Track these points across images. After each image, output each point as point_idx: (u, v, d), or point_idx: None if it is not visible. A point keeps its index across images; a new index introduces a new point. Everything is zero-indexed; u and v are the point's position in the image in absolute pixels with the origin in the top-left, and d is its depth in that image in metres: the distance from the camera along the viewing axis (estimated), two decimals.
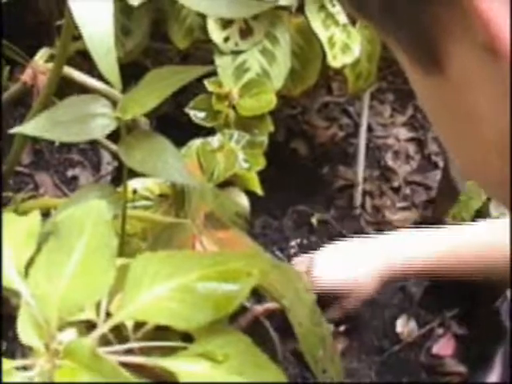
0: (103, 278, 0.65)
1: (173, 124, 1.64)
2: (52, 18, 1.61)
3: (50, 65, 1.39)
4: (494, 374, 1.17)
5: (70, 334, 0.63)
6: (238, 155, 1.30)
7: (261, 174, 1.37)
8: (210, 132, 1.43)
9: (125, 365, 0.62)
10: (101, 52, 0.67)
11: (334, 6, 1.42)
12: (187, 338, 0.70)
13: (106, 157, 1.63)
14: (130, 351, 0.68)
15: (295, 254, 1.66)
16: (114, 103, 0.88)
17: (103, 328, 0.68)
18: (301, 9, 1.47)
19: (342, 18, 1.44)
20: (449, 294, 1.54)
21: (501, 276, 1.17)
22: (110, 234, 0.68)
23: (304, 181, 1.89)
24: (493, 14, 0.31)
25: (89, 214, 0.69)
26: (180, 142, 1.38)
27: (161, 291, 0.65)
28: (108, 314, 0.70)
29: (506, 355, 1.17)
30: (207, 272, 0.65)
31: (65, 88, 1.28)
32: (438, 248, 1.28)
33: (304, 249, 1.68)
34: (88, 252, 0.67)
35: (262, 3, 1.06)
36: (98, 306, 0.70)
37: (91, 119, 0.82)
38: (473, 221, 1.47)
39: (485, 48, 0.32)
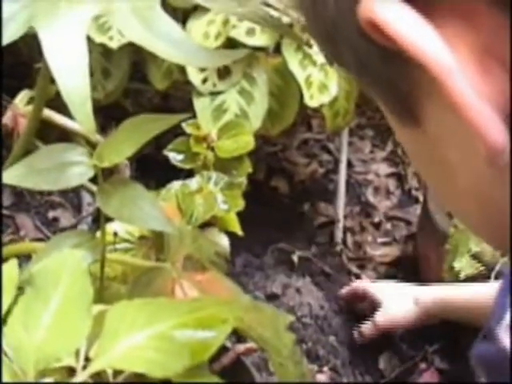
0: (79, 327, 0.65)
1: (153, 165, 1.65)
2: (32, 59, 1.62)
3: (30, 107, 1.40)
4: None
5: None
6: (216, 197, 1.31)
7: (241, 212, 1.38)
8: (191, 173, 1.44)
9: None
10: (76, 102, 0.68)
11: (310, 46, 1.44)
12: (168, 382, 0.71)
13: (86, 198, 1.63)
14: None
15: (276, 293, 1.67)
16: (93, 145, 0.89)
17: (82, 375, 0.69)
18: (278, 49, 1.49)
19: (320, 58, 1.45)
20: (430, 328, 1.55)
21: None
22: (86, 283, 0.69)
23: (285, 218, 1.90)
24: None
25: (65, 263, 0.69)
26: (161, 182, 1.39)
27: (138, 339, 0.65)
28: (88, 359, 0.71)
29: None
30: (183, 320, 0.66)
31: (46, 130, 1.29)
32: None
33: (285, 287, 1.69)
34: (64, 302, 0.67)
35: (235, 52, 1.08)
36: (77, 352, 0.71)
37: (69, 167, 0.83)
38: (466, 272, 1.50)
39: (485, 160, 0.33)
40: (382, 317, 1.51)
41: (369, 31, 0.33)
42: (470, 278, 1.47)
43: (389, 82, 0.37)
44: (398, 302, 1.50)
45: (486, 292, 1.30)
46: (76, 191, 1.67)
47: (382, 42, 0.33)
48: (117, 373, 0.75)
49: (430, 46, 0.32)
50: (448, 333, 1.56)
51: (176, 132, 1.46)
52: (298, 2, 0.39)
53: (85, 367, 0.70)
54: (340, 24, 0.36)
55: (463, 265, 1.49)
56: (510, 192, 0.35)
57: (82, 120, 0.69)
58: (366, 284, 1.62)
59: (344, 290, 1.66)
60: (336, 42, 0.38)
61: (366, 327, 1.53)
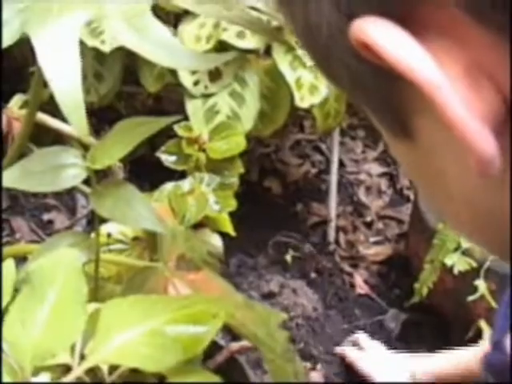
0: (75, 323, 0.67)
1: (147, 167, 1.67)
2: (25, 64, 1.63)
3: (24, 111, 1.41)
4: None
5: (43, 379, 0.65)
6: (208, 198, 1.32)
7: (235, 213, 1.39)
8: (183, 174, 1.45)
9: None
10: (70, 106, 0.69)
11: (300, 48, 1.45)
12: (163, 378, 0.72)
13: (81, 200, 1.65)
14: None
15: (270, 292, 1.68)
16: (86, 147, 0.91)
17: (78, 371, 0.70)
18: (268, 51, 1.51)
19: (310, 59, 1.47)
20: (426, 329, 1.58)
21: None
22: (80, 281, 0.71)
23: (278, 218, 1.91)
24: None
25: (60, 262, 0.71)
26: (154, 184, 1.41)
27: (131, 335, 0.67)
28: (83, 357, 0.72)
29: None
30: (175, 315, 0.67)
31: (40, 133, 1.30)
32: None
33: (280, 287, 1.70)
34: (60, 299, 0.69)
35: (224, 55, 1.09)
36: (72, 349, 0.72)
37: (63, 169, 0.85)
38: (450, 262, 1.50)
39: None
40: None
41: (360, 51, 0.34)
42: (462, 274, 1.49)
43: (381, 98, 0.38)
44: (391, 376, 1.47)
45: (471, 356, 1.29)
46: (70, 194, 1.69)
47: (373, 61, 0.34)
48: (111, 370, 0.76)
49: (420, 65, 0.33)
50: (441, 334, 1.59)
51: (169, 134, 1.48)
52: (293, 28, 0.40)
53: (80, 364, 0.72)
54: (332, 45, 0.37)
55: (455, 261, 1.51)
56: (510, 201, 0.36)
57: (76, 123, 0.70)
58: (355, 356, 1.55)
59: (339, 350, 1.59)
60: (329, 62, 0.39)
61: None
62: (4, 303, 0.73)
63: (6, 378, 0.66)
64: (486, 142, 0.33)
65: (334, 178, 1.87)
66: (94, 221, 0.92)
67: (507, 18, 0.31)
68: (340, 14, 0.35)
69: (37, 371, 0.67)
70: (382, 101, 0.39)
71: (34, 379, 0.66)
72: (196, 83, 1.49)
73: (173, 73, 1.53)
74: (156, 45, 0.73)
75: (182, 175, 1.44)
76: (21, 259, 1.21)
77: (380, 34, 0.33)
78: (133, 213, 0.82)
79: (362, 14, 0.34)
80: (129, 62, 1.62)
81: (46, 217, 1.69)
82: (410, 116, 0.38)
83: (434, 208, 0.45)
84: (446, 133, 0.34)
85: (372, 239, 1.95)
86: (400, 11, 0.33)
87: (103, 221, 1.02)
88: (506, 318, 0.50)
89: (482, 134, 0.33)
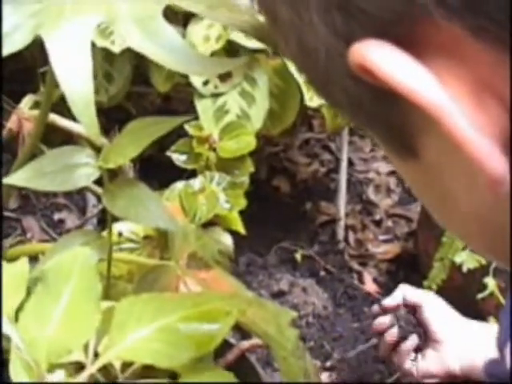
0: (89, 321, 0.68)
1: (157, 166, 1.68)
2: (35, 64, 1.64)
3: (35, 112, 1.42)
4: None
5: (58, 375, 0.66)
6: (219, 196, 1.33)
7: (244, 212, 1.40)
8: (194, 173, 1.46)
9: None
10: (80, 106, 0.70)
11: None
12: (175, 376, 0.73)
13: (91, 200, 1.66)
14: None
15: (280, 291, 1.69)
16: (96, 147, 0.92)
17: (91, 368, 0.71)
18: (277, 51, 1.51)
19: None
20: None
21: None
22: (95, 278, 0.72)
23: (287, 217, 1.92)
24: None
25: (75, 260, 0.72)
26: (164, 183, 1.42)
27: (145, 332, 0.68)
28: (97, 355, 0.73)
29: None
30: (188, 313, 0.68)
31: (50, 133, 1.31)
32: None
33: (290, 286, 1.71)
34: (74, 297, 0.70)
35: (234, 60, 1.10)
36: (86, 347, 0.73)
37: (75, 169, 0.86)
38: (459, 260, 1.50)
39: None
40: (438, 364, 1.17)
41: (360, 74, 0.34)
42: (471, 272, 1.49)
43: (383, 119, 0.38)
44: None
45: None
46: (81, 193, 1.70)
47: (373, 84, 0.34)
48: (124, 368, 0.77)
49: (423, 87, 0.32)
50: None
51: (179, 133, 1.48)
52: (286, 50, 0.40)
53: (94, 362, 0.73)
54: (331, 69, 0.37)
55: (464, 258, 1.51)
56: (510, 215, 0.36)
57: (86, 123, 0.71)
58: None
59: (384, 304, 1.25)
60: (328, 85, 0.39)
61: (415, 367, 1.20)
62: (18, 301, 0.74)
63: (21, 375, 0.67)
64: (495, 162, 0.33)
65: (342, 176, 1.88)
66: (107, 219, 0.93)
67: (509, 31, 0.30)
68: (337, 38, 0.34)
69: (52, 368, 0.68)
70: (385, 123, 0.38)
71: (48, 376, 0.67)
72: (206, 83, 1.50)
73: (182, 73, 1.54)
74: (166, 49, 0.74)
75: (191, 174, 1.45)
76: (32, 258, 1.23)
77: (380, 57, 0.33)
78: (145, 211, 0.83)
79: (360, 37, 0.33)
80: (138, 62, 1.63)
81: (56, 216, 1.70)
82: (414, 136, 0.37)
83: (442, 223, 0.45)
84: (454, 152, 0.33)
85: (381, 237, 1.95)
86: (399, 32, 0.33)
87: (114, 220, 1.02)
88: (508, 330, 0.50)
89: (492, 153, 0.32)
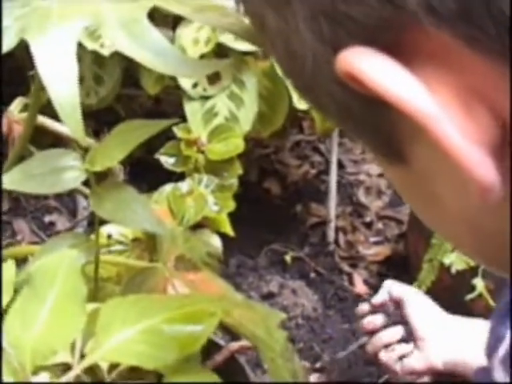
0: (74, 322, 0.69)
1: (146, 169, 1.68)
2: (26, 67, 1.64)
3: (25, 114, 1.42)
4: None
5: (43, 378, 0.66)
6: (207, 199, 1.33)
7: (235, 214, 1.41)
8: (183, 176, 1.46)
9: None
10: (66, 109, 0.71)
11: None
12: (162, 377, 0.74)
13: (81, 202, 1.66)
14: None
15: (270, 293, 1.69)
16: (86, 150, 0.93)
17: (77, 369, 0.72)
18: (266, 53, 1.52)
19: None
20: None
21: None
22: (80, 281, 0.72)
23: (277, 219, 1.92)
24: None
25: (60, 263, 0.72)
26: (154, 185, 1.42)
27: (130, 333, 0.68)
28: (83, 356, 0.74)
29: None
30: (172, 314, 0.69)
31: (40, 135, 1.31)
32: None
33: (280, 288, 1.72)
34: (60, 299, 0.70)
35: (221, 61, 1.11)
36: (72, 348, 0.74)
37: (63, 171, 0.87)
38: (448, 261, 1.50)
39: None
40: (421, 361, 1.17)
41: (348, 82, 0.33)
42: (460, 273, 1.50)
43: (370, 126, 0.37)
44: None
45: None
46: (71, 196, 1.70)
47: (361, 91, 0.33)
48: (111, 369, 0.78)
49: (411, 95, 0.32)
50: None
51: (167, 136, 1.49)
52: (273, 55, 0.39)
53: (80, 363, 0.73)
54: (318, 75, 0.36)
55: (453, 260, 1.52)
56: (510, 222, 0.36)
57: (72, 126, 0.72)
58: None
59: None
60: (315, 92, 0.38)
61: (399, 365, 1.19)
62: (4, 303, 0.74)
63: (7, 377, 0.67)
64: (485, 170, 0.32)
65: (333, 178, 1.88)
66: (94, 222, 0.94)
67: (502, 43, 0.30)
68: (324, 45, 0.34)
69: (37, 370, 0.68)
70: (373, 129, 0.38)
71: (33, 378, 0.67)
72: (195, 85, 1.50)
73: (172, 75, 1.54)
74: (153, 52, 0.74)
75: (180, 177, 1.46)
76: (22, 260, 1.23)
77: (367, 65, 0.32)
78: (132, 214, 0.84)
79: (348, 44, 0.33)
80: (128, 65, 1.64)
81: (47, 219, 1.71)
82: (402, 143, 0.37)
83: (432, 228, 0.45)
84: (443, 159, 0.33)
85: (371, 239, 1.96)
86: (387, 39, 0.32)
87: (103, 222, 1.03)
88: (496, 338, 0.50)
89: (481, 161, 0.32)
